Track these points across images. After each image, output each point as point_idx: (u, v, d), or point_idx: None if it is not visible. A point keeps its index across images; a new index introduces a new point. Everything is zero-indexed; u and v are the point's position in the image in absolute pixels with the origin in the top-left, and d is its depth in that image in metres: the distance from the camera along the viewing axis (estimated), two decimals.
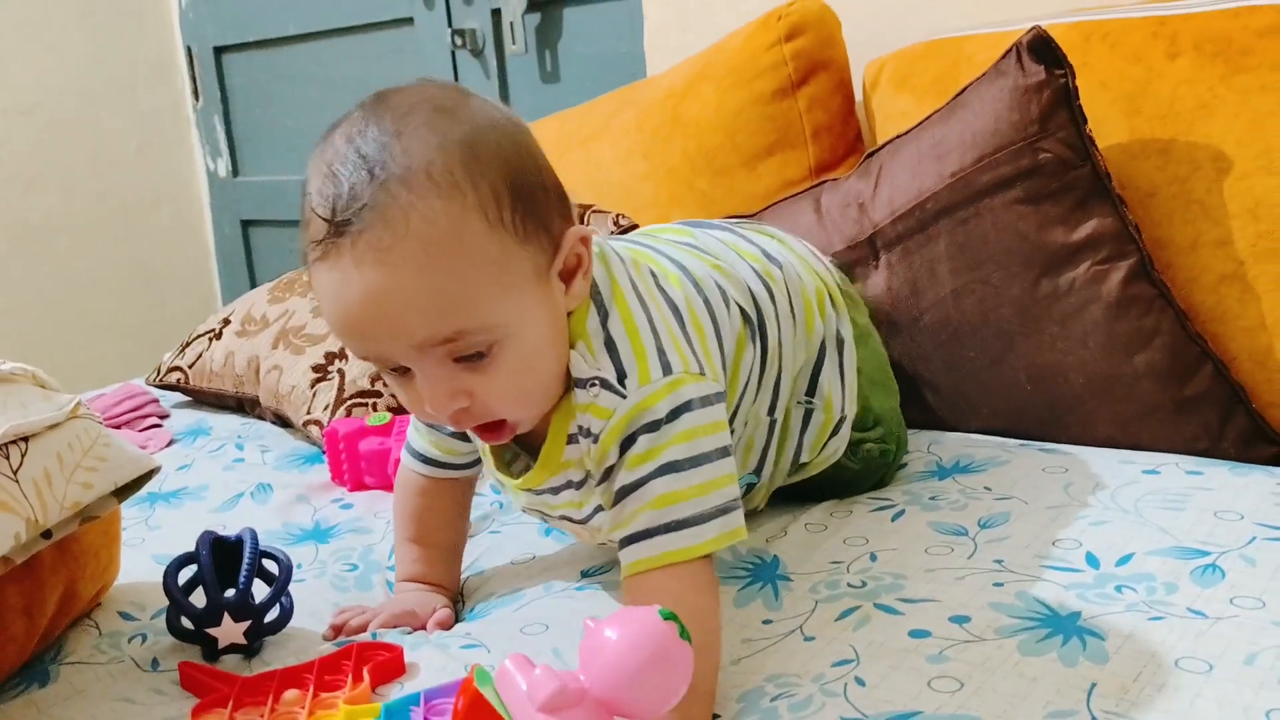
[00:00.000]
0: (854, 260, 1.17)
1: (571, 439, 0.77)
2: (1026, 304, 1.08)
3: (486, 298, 0.68)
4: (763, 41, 1.38)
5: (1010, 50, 1.10)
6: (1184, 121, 1.09)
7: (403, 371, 0.72)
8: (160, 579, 0.82)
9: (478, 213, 0.67)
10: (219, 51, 2.61)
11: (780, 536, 0.92)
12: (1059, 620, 0.74)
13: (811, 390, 0.95)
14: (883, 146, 1.21)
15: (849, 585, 0.82)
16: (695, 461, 0.73)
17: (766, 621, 0.79)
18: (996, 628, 0.74)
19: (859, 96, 1.43)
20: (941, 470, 1.02)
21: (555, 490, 0.82)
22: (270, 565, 0.85)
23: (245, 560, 0.82)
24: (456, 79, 2.16)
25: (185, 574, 0.83)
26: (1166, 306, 1.05)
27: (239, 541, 0.85)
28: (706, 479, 0.74)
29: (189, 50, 2.65)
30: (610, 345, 0.75)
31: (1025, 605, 0.76)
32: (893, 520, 0.93)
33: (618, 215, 1.43)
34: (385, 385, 1.24)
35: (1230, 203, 1.06)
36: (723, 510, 0.74)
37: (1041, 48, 1.08)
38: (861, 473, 0.99)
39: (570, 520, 0.84)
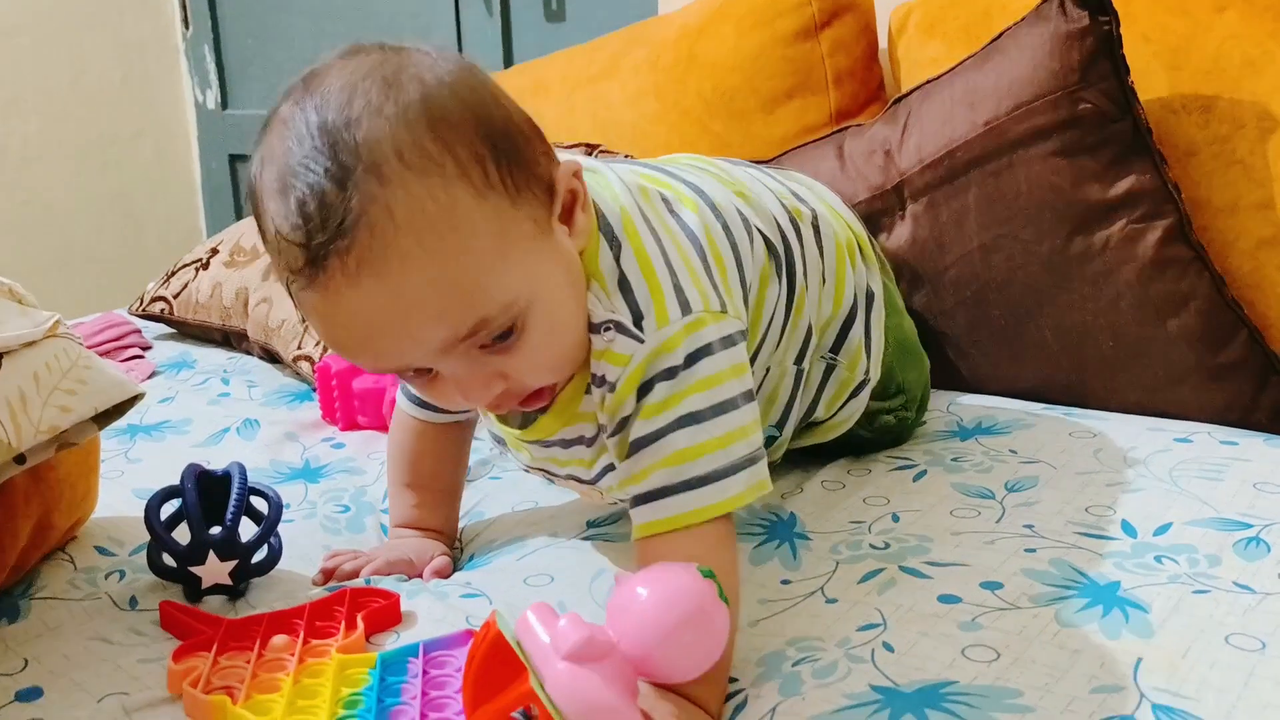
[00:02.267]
0: (879, 210, 1.12)
1: (588, 389, 0.71)
2: (1057, 262, 1.03)
3: (498, 275, 0.60)
4: None
5: None
6: (1229, 78, 1.04)
7: (425, 371, 0.65)
8: (140, 513, 0.77)
9: (463, 182, 0.59)
10: None
11: (796, 493, 0.88)
12: (1098, 590, 0.70)
13: (838, 346, 0.89)
14: (911, 92, 1.15)
15: (871, 546, 0.78)
16: (718, 409, 0.67)
17: (785, 581, 0.75)
18: (1031, 595, 0.70)
19: (883, 43, 1.37)
20: (963, 431, 0.98)
21: (566, 443, 0.76)
22: (259, 503, 0.80)
23: (233, 496, 0.77)
24: (458, 16, 2.08)
25: (168, 509, 0.78)
26: (1203, 270, 1.01)
27: (226, 476, 0.80)
28: (730, 428, 0.67)
29: None
30: (624, 284, 0.68)
31: (1061, 573, 0.72)
32: (914, 480, 0.88)
33: (626, 156, 1.38)
34: None
35: (1274, 164, 1.02)
36: (750, 460, 0.68)
37: None
38: (872, 441, 0.95)
39: (577, 480, 0.79)
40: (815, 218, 0.87)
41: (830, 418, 0.91)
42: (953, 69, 1.12)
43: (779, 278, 0.80)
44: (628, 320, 0.67)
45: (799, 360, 0.85)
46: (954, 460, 0.91)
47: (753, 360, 0.79)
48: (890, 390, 0.94)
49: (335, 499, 0.94)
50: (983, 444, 0.94)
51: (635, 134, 1.41)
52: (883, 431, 0.94)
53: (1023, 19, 1.08)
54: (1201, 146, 1.05)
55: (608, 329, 0.68)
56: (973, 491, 0.85)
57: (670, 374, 0.67)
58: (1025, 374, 1.07)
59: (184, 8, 2.58)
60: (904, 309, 0.99)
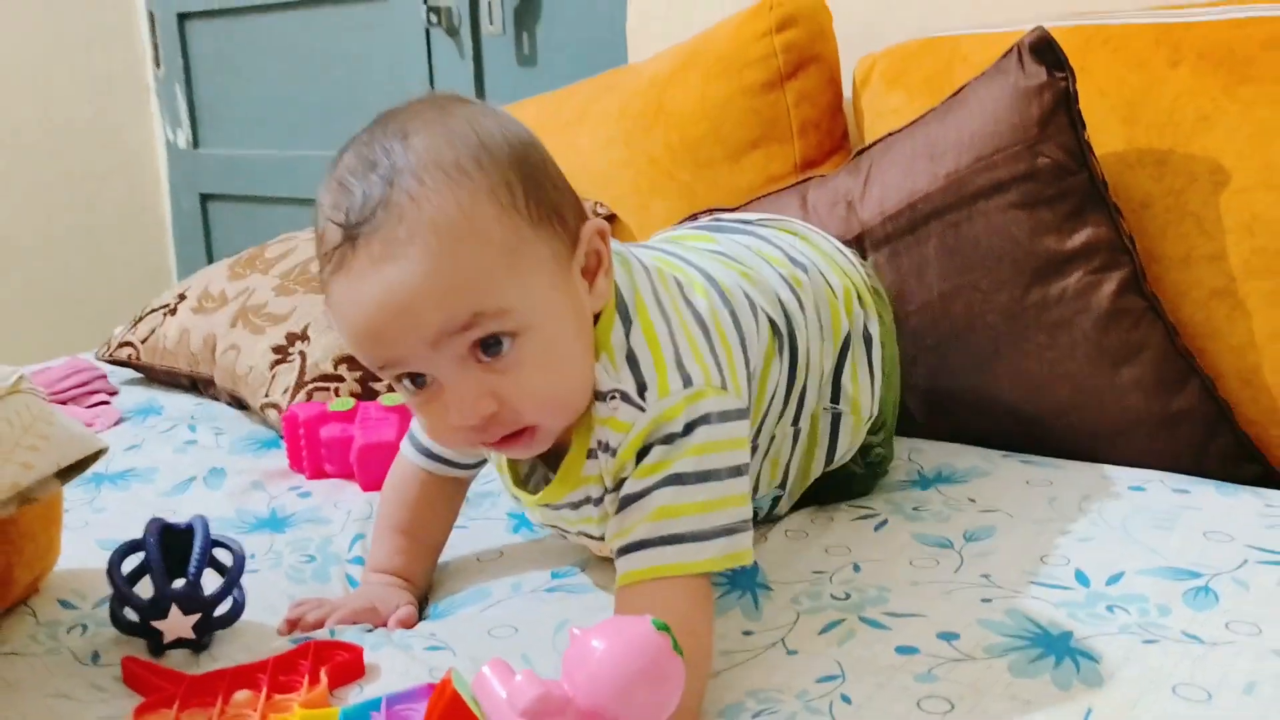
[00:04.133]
0: None
1: (591, 454, 0.75)
2: (1015, 311, 1.05)
3: (502, 280, 0.66)
4: (753, 31, 1.35)
5: (1011, 50, 1.08)
6: (1183, 132, 1.07)
7: (422, 386, 0.69)
8: (104, 565, 0.77)
9: (489, 197, 0.66)
10: (183, 18, 2.53)
11: (760, 542, 0.89)
12: (1051, 640, 0.71)
13: (835, 395, 0.92)
14: (874, 144, 1.18)
15: (832, 596, 0.79)
16: (703, 476, 0.71)
17: (747, 633, 0.76)
18: (986, 646, 0.71)
19: (847, 93, 1.40)
20: (923, 480, 0.99)
21: (575, 505, 0.79)
22: (222, 555, 0.80)
23: (196, 549, 0.78)
24: (430, 58, 2.10)
25: (131, 562, 0.78)
26: (1156, 320, 1.03)
27: (189, 529, 0.80)
28: (713, 496, 0.71)
29: (151, 16, 2.57)
30: (631, 358, 0.73)
31: (1015, 624, 0.73)
32: (875, 530, 0.90)
33: (595, 204, 1.39)
34: (349, 368, 1.19)
35: (1226, 217, 1.04)
36: (728, 530, 0.71)
37: (1044, 49, 1.05)
38: (861, 478, 0.96)
39: (589, 536, 0.82)
40: (810, 279, 0.91)
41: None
42: (914, 122, 1.15)
43: (781, 356, 0.85)
44: (632, 390, 0.72)
45: (795, 421, 0.89)
46: (914, 509, 0.93)
47: (758, 434, 0.84)
48: (877, 424, 0.96)
49: (301, 549, 0.94)
50: (943, 493, 0.96)
51: (604, 181, 1.42)
52: (870, 466, 0.96)
53: (983, 74, 1.10)
54: (1155, 199, 1.08)
55: (613, 397, 0.72)
56: (932, 541, 0.87)
57: (669, 439, 0.71)
58: (984, 421, 1.08)
59: (155, 46, 2.59)
60: (894, 337, 1.00)
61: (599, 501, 0.77)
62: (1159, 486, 0.95)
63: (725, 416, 0.73)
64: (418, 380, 0.69)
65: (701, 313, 0.77)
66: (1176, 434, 1.01)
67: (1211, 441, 1.01)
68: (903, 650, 0.71)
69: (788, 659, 0.72)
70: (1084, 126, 1.05)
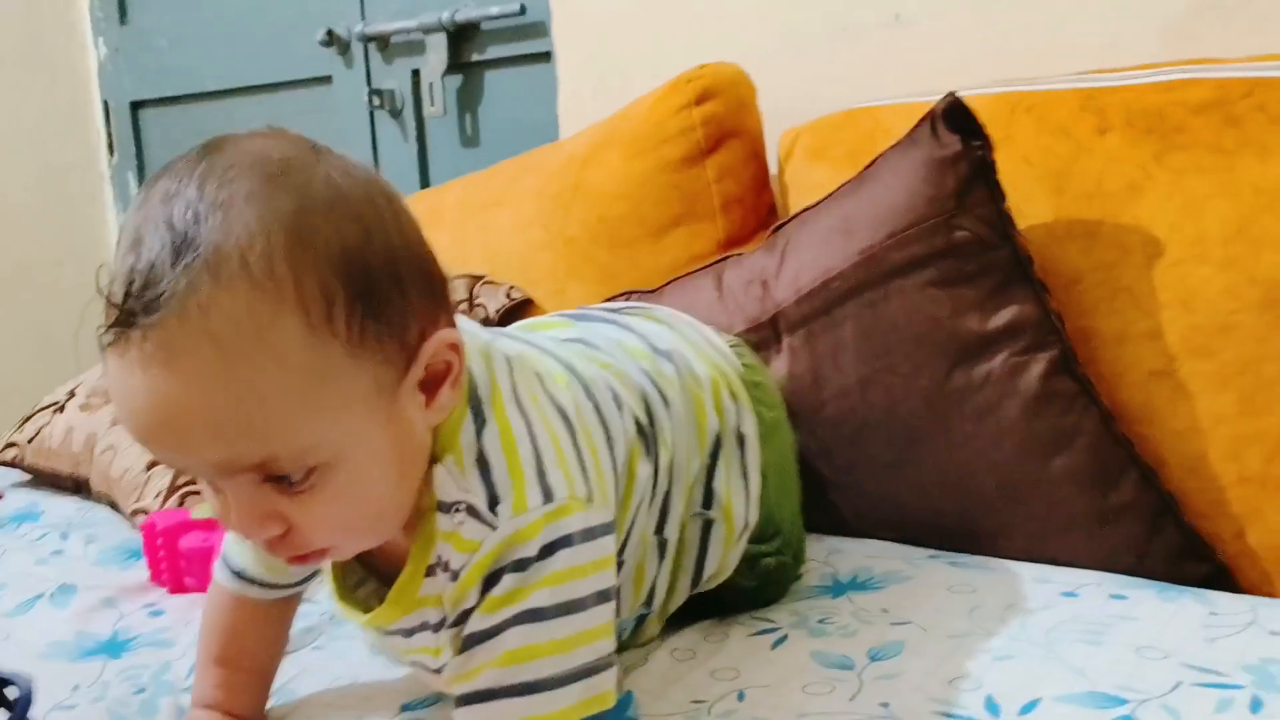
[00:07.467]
0: (755, 344, 1.05)
1: (430, 571, 0.65)
2: (937, 398, 0.97)
3: (300, 418, 0.56)
4: (671, 105, 1.28)
5: (924, 119, 1.01)
6: (1113, 202, 1.00)
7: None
8: None
9: (297, 314, 0.55)
10: (135, 106, 2.50)
11: (640, 665, 0.79)
12: None
13: (708, 500, 0.82)
14: (789, 220, 1.10)
15: None
16: (565, 609, 0.62)
17: None
18: None
19: (774, 169, 1.33)
20: (837, 586, 0.90)
21: (407, 632, 0.69)
22: (11, 692, 0.71)
23: None
24: (374, 140, 2.05)
25: None
26: (1090, 404, 0.94)
27: None
28: (575, 630, 0.62)
29: (105, 105, 2.54)
30: (483, 462, 0.64)
31: None
32: (772, 648, 0.80)
33: (510, 287, 1.32)
34: None
35: (1161, 292, 0.96)
36: (589, 670, 0.62)
37: (957, 116, 0.98)
38: (756, 589, 0.86)
39: (424, 667, 0.72)
40: (677, 370, 0.82)
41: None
42: (829, 196, 1.08)
43: (647, 457, 0.75)
44: (481, 504, 0.63)
45: (660, 530, 0.79)
46: (820, 622, 0.83)
47: (623, 548, 0.73)
48: (768, 532, 0.86)
49: (133, 678, 0.84)
50: (854, 601, 0.86)
51: (522, 263, 1.35)
52: (764, 577, 0.87)
53: (895, 144, 1.03)
54: (1086, 273, 1.00)
55: (458, 510, 0.63)
56: (832, 661, 0.77)
57: (522, 565, 0.62)
58: (910, 516, 0.99)
59: (109, 134, 2.56)
60: (786, 432, 0.90)
61: (437, 628, 0.67)
62: (1094, 591, 0.85)
63: (590, 534, 0.64)
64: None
65: (564, 407, 0.69)
66: (1116, 530, 0.91)
67: (1155, 538, 0.91)
68: None
69: None
70: (1004, 198, 0.98)
